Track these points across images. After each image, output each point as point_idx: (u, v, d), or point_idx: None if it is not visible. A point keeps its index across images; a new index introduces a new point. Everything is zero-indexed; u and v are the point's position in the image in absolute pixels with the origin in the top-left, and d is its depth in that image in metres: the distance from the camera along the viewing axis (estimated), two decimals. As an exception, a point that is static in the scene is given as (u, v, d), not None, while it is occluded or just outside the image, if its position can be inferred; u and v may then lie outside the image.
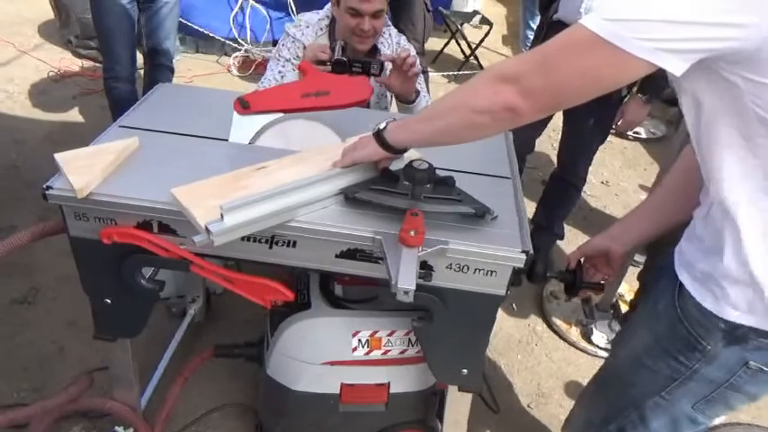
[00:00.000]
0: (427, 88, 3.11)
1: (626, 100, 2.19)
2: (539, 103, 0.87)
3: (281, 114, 1.39)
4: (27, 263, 2.25)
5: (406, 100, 1.83)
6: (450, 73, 4.55)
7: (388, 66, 1.76)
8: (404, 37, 2.01)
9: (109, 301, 1.27)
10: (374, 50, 1.88)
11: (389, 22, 1.99)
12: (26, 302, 2.14)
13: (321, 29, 1.89)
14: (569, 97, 0.86)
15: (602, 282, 1.27)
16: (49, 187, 1.12)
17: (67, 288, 2.19)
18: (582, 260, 1.27)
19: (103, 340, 1.36)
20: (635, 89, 2.11)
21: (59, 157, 1.16)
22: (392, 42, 1.94)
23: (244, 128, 1.39)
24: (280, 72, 1.84)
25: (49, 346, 1.97)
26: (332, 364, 1.41)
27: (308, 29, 1.88)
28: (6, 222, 2.45)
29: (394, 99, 1.93)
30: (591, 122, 2.19)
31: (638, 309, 1.19)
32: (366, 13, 1.74)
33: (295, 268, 1.20)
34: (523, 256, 1.08)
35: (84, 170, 1.13)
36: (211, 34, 4.23)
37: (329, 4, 1.88)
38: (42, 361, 1.92)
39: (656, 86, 2.12)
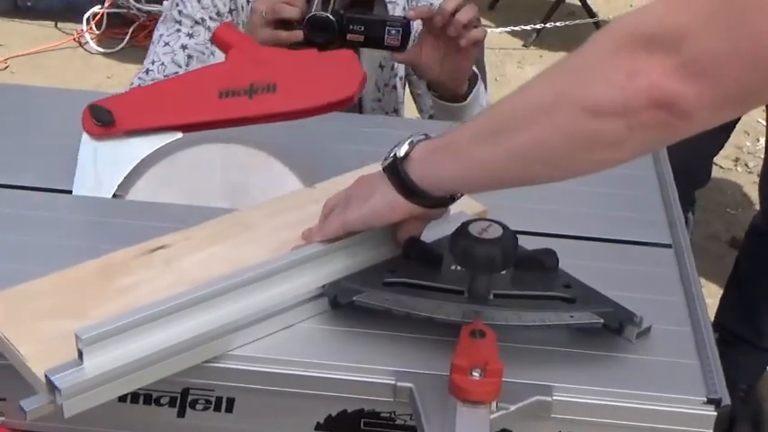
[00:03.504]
0: (481, 62, 3.20)
1: None
2: (721, 90, 0.87)
3: (179, 135, 1.43)
4: None
5: (454, 94, 1.88)
6: (528, 27, 4.64)
7: (416, 28, 1.81)
8: None
9: None
10: (381, 7, 1.94)
11: None
12: None
13: None
14: None
15: None
16: None
17: None
18: None
19: None
20: None
21: None
22: None
23: (102, 165, 1.42)
24: (183, 47, 1.89)
25: None
26: None
27: None
28: None
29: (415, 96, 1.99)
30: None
31: None
32: None
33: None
34: (712, 412, 1.07)
35: None
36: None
37: None
38: None
39: None
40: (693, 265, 1.31)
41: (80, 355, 1.00)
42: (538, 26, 4.64)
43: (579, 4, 4.75)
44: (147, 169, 1.42)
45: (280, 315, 1.15)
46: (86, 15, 4.41)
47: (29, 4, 4.51)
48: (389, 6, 1.95)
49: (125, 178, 1.42)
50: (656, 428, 1.10)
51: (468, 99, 1.87)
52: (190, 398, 1.14)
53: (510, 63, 4.26)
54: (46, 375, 0.99)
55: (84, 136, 1.40)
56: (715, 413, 1.07)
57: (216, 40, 1.51)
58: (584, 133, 0.94)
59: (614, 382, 1.09)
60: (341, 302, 1.14)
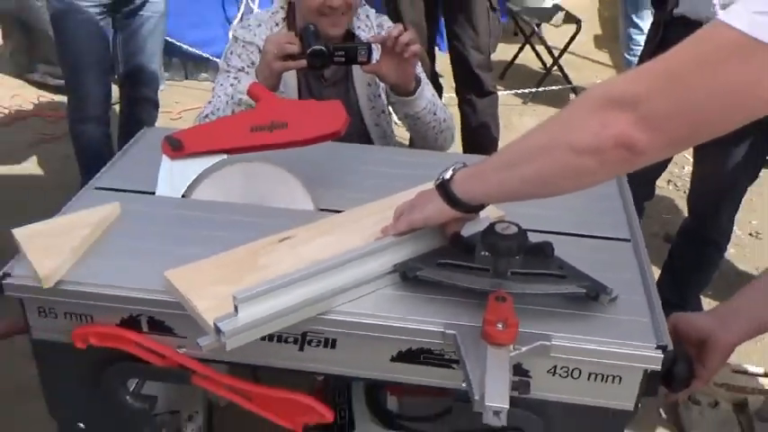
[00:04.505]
0: (496, 115, 3.18)
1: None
2: (666, 137, 0.86)
3: (224, 156, 1.43)
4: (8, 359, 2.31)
5: (406, 91, 1.89)
6: (527, 90, 4.60)
7: (377, 50, 1.82)
8: (385, 17, 2.11)
9: (83, 425, 1.28)
10: (351, 37, 1.98)
11: (364, 2, 2.09)
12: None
13: (277, 23, 1.99)
14: (710, 126, 0.84)
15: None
16: (6, 275, 1.15)
17: (26, 402, 2.22)
18: None
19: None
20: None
21: (19, 233, 1.21)
22: (372, 25, 2.03)
23: (176, 176, 1.43)
24: (232, 85, 1.89)
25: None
26: None
27: (260, 28, 1.98)
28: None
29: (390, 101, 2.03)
30: (738, 152, 2.16)
31: None
32: None
33: (334, 376, 1.19)
34: (660, 354, 1.05)
35: (50, 251, 1.17)
36: (205, 55, 4.39)
37: None
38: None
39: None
40: (645, 253, 1.29)
41: (236, 309, 1.01)
42: (533, 90, 4.59)
43: (561, 74, 4.69)
44: (204, 179, 1.43)
45: (367, 284, 1.14)
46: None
47: (195, 73, 4.55)
48: (359, 34, 1.99)
49: (189, 185, 1.43)
50: (621, 365, 1.08)
51: (416, 94, 1.89)
52: (307, 338, 1.14)
53: (514, 115, 4.23)
54: (214, 323, 1.00)
55: (164, 157, 1.42)
56: (662, 355, 1.05)
57: (250, 93, 1.53)
58: (571, 166, 0.93)
59: (593, 333, 1.08)
60: (408, 276, 1.14)
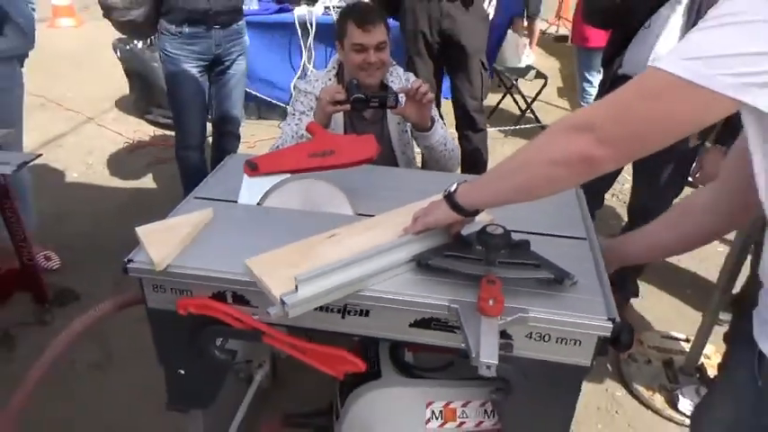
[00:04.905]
0: (485, 145, 3.15)
1: (702, 150, 2.10)
2: (617, 152, 0.84)
3: (288, 175, 1.44)
4: (102, 328, 2.32)
5: (423, 128, 1.88)
6: (507, 128, 4.55)
7: (402, 98, 1.83)
8: (411, 74, 2.10)
9: (183, 371, 1.28)
10: (384, 88, 1.97)
11: (395, 63, 2.08)
12: (100, 368, 2.19)
13: (330, 78, 2.00)
14: (650, 143, 0.82)
15: None
16: (130, 260, 1.16)
17: (139, 356, 2.22)
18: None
19: (176, 411, 1.36)
20: (711, 138, 2.02)
21: (140, 230, 1.21)
22: (401, 80, 2.03)
23: (253, 189, 1.43)
24: (297, 124, 1.90)
25: (121, 415, 2.00)
26: (405, 436, 1.36)
27: (318, 81, 1.98)
28: (86, 290, 2.56)
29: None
30: (665, 173, 2.12)
31: (721, 378, 1.09)
32: (370, 46, 1.84)
33: (366, 337, 1.18)
34: (610, 325, 1.03)
35: (162, 243, 1.17)
36: (274, 101, 4.41)
37: (332, 59, 2.04)
38: (114, 430, 1.94)
39: (734, 135, 2.03)
40: (598, 249, 1.26)
41: (296, 287, 1.01)
42: (512, 127, 4.55)
43: (533, 116, 4.65)
44: (273, 191, 1.43)
45: (392, 269, 1.13)
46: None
47: (265, 114, 4.56)
48: (391, 86, 1.98)
49: (262, 196, 1.43)
50: (581, 332, 1.05)
51: (431, 130, 1.89)
52: (347, 309, 1.13)
53: (498, 145, 4.19)
54: (280, 297, 1.00)
55: (245, 175, 1.42)
56: (612, 325, 1.03)
57: (308, 129, 1.52)
58: (547, 175, 0.91)
59: (559, 308, 1.06)
60: (422, 264, 1.13)
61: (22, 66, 2.44)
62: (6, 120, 2.33)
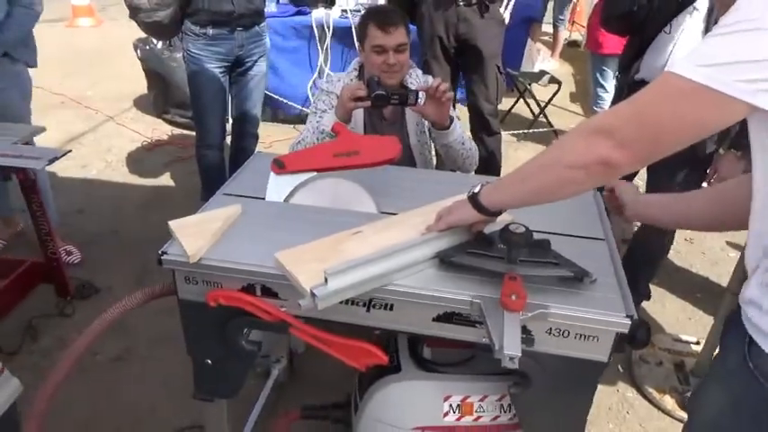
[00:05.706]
0: (499, 148, 3.17)
1: (717, 156, 2.11)
2: (635, 154, 0.86)
3: (314, 174, 1.46)
4: (122, 321, 2.36)
5: (442, 126, 1.90)
6: (520, 131, 4.57)
7: (422, 96, 1.84)
8: (430, 76, 2.11)
9: (210, 361, 1.31)
10: (403, 87, 1.99)
11: (414, 64, 2.10)
12: (121, 360, 2.24)
13: (351, 79, 2.02)
14: (667, 146, 0.85)
15: None
16: (164, 253, 1.19)
17: (160, 348, 2.28)
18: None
19: (202, 400, 1.40)
20: (725, 144, 2.04)
21: (173, 224, 1.24)
22: (420, 81, 2.04)
23: (280, 187, 1.46)
24: (318, 121, 1.91)
25: (142, 406, 2.04)
26: (423, 429, 1.39)
27: (339, 82, 2.01)
28: (105, 284, 2.61)
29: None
30: (678, 179, 2.13)
31: (712, 365, 1.10)
32: (390, 48, 1.87)
33: (385, 330, 1.20)
34: (628, 322, 1.05)
35: (195, 236, 1.20)
36: (290, 103, 4.45)
37: (354, 60, 2.08)
38: (135, 421, 1.98)
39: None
40: (615, 249, 1.29)
41: (326, 280, 1.03)
42: (525, 131, 4.56)
43: (545, 121, 4.66)
44: (300, 189, 1.46)
45: (416, 266, 1.15)
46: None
47: (281, 116, 4.60)
48: (410, 84, 2.00)
49: (289, 193, 1.45)
50: (599, 328, 1.08)
51: (450, 128, 1.89)
52: (372, 302, 1.15)
53: (511, 149, 4.20)
54: (311, 290, 1.03)
55: (271, 173, 1.44)
56: (630, 322, 1.05)
57: (333, 129, 1.55)
58: (566, 178, 0.93)
59: (579, 305, 1.08)
60: (445, 260, 1.15)
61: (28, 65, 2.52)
62: (11, 119, 2.41)
